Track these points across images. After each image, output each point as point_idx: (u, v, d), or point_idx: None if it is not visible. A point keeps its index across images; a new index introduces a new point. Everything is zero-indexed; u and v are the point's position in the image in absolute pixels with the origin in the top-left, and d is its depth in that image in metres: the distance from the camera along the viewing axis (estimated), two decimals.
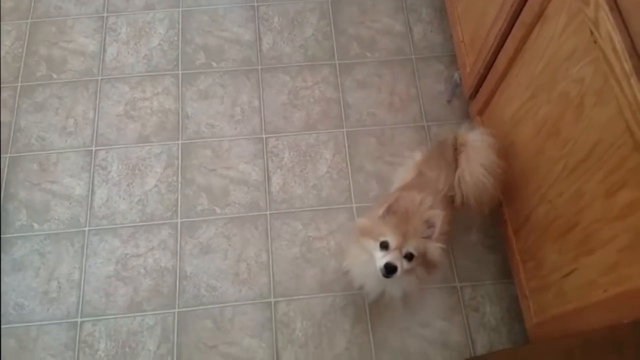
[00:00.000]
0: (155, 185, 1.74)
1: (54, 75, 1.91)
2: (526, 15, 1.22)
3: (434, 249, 1.22)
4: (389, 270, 1.17)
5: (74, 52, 1.95)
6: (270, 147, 1.81)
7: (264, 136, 1.82)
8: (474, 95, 1.61)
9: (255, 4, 2.04)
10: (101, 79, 1.91)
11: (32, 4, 2.03)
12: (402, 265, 1.18)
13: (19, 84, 1.89)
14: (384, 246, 1.20)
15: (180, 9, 2.03)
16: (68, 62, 1.93)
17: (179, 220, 1.69)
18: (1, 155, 1.76)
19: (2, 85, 1.87)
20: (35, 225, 1.68)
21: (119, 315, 1.58)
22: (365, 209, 1.70)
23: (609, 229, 1.01)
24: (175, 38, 1.97)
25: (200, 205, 1.71)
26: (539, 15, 1.17)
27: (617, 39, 0.91)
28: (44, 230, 1.67)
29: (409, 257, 1.19)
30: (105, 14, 2.02)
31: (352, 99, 1.88)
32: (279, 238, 1.68)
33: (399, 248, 1.18)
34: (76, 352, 1.54)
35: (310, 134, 1.83)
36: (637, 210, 0.92)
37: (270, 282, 1.62)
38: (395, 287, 1.37)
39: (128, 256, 1.65)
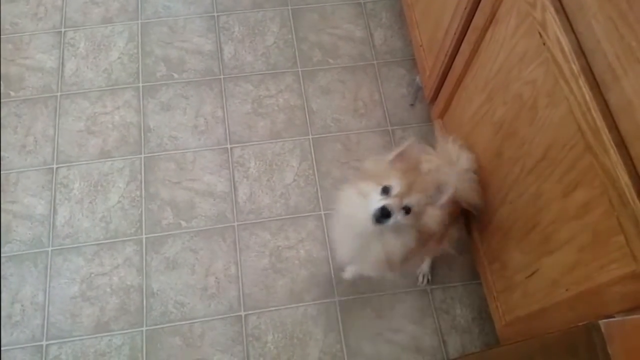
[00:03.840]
0: (119, 201, 1.70)
1: (12, 93, 1.86)
2: (479, 19, 1.23)
3: (433, 215, 1.12)
4: (383, 214, 1.05)
5: (31, 68, 1.91)
6: (236, 157, 1.79)
7: (228, 146, 1.80)
8: (435, 99, 1.62)
9: (215, 14, 2.02)
10: (60, 95, 1.87)
11: None
12: (397, 215, 1.07)
13: None
14: (385, 191, 1.09)
15: (140, 21, 1.99)
16: (26, 79, 1.89)
17: (144, 236, 1.66)
18: None
19: None
20: None
21: (85, 337, 1.54)
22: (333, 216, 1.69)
23: (567, 229, 1.02)
24: (135, 51, 1.94)
25: (165, 219, 1.68)
26: (491, 18, 1.17)
27: (564, 40, 0.92)
28: (6, 253, 1.63)
29: (407, 210, 1.08)
30: (62, 29, 1.98)
31: (317, 105, 1.87)
32: (247, 249, 1.66)
33: (400, 197, 1.08)
34: None
35: (275, 142, 1.82)
36: (592, 210, 0.93)
37: (239, 295, 1.60)
38: (382, 241, 1.16)
39: (93, 275, 1.61)
